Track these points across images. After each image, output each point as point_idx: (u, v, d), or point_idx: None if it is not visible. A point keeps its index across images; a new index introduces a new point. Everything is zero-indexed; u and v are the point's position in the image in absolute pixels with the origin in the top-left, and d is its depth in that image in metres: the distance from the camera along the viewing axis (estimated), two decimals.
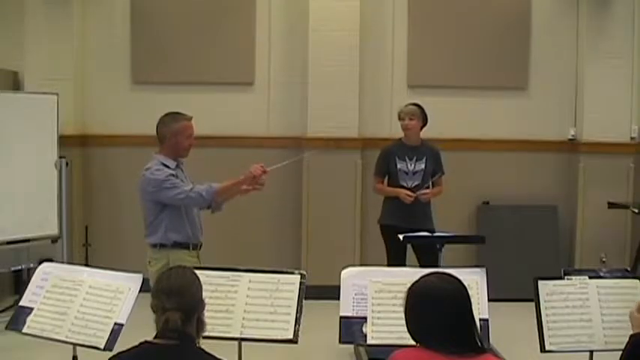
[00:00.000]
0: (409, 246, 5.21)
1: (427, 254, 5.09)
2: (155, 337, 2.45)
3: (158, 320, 2.46)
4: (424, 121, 5.37)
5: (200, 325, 2.56)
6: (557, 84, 6.85)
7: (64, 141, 6.17)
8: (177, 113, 4.20)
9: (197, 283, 2.59)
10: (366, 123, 6.67)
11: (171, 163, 4.12)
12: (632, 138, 6.71)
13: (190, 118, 4.19)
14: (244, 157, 6.70)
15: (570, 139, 6.86)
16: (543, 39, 6.82)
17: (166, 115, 4.20)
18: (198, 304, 2.55)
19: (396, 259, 5.18)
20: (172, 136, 4.11)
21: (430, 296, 2.32)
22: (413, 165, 5.31)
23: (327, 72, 6.49)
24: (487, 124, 6.80)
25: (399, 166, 5.31)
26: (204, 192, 4.01)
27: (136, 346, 2.45)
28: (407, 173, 5.30)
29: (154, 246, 4.09)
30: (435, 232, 5.28)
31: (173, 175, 4.06)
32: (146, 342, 2.45)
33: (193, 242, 4.14)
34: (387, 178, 5.42)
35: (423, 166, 5.32)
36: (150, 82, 6.72)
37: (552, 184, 6.88)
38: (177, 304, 2.45)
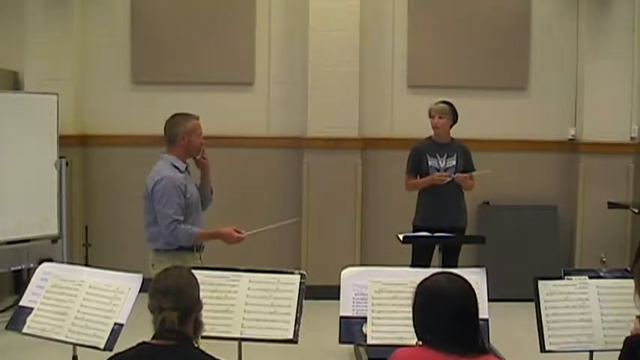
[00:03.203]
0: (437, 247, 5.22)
1: (450, 254, 5.11)
2: (153, 338, 2.44)
3: (156, 320, 2.45)
4: (454, 119, 5.37)
5: (197, 325, 2.54)
6: (557, 84, 6.85)
7: (64, 141, 6.16)
8: (187, 114, 4.15)
9: (194, 284, 2.58)
10: (366, 123, 6.67)
11: (181, 165, 4.08)
12: (632, 138, 6.71)
13: (198, 118, 4.15)
14: (244, 157, 6.76)
15: (570, 139, 6.86)
16: (543, 39, 6.82)
17: (174, 116, 4.15)
18: (196, 305, 2.54)
19: (421, 259, 5.17)
20: (186, 135, 4.06)
21: (437, 295, 2.32)
22: (444, 162, 5.31)
23: (327, 72, 6.49)
24: (487, 124, 6.79)
25: (430, 162, 5.32)
26: (181, 236, 3.95)
27: (134, 347, 2.44)
28: (438, 170, 5.29)
29: (157, 250, 4.04)
30: (465, 229, 5.34)
31: (181, 187, 3.98)
32: (144, 343, 2.44)
33: (197, 245, 4.10)
34: (418, 176, 5.40)
35: (454, 162, 5.32)
36: (150, 82, 6.72)
37: (552, 184, 6.88)
38: (174, 303, 2.44)
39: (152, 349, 2.41)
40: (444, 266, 5.02)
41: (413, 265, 5.14)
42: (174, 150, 4.09)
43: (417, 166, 5.38)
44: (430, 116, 5.36)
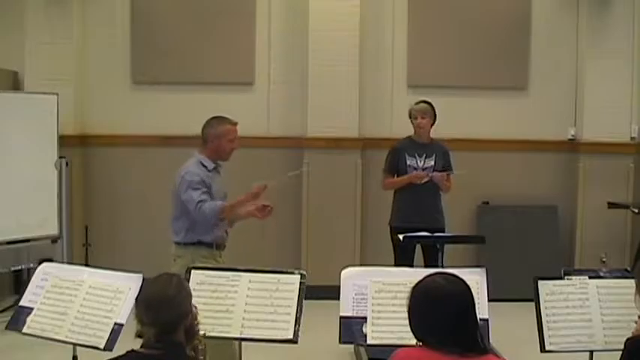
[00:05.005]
0: (418, 245, 5.21)
1: (432, 253, 5.09)
2: (141, 347, 2.43)
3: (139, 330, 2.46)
4: (435, 118, 5.36)
5: (189, 332, 2.50)
6: (557, 84, 6.85)
7: (64, 141, 6.16)
8: (224, 117, 4.31)
9: (184, 294, 2.50)
10: (366, 123, 6.67)
11: (210, 164, 4.23)
12: (632, 138, 6.71)
13: (235, 123, 4.32)
14: (244, 157, 6.70)
15: (570, 139, 6.85)
16: (543, 39, 6.82)
17: (213, 117, 4.31)
18: (180, 318, 2.45)
19: (403, 259, 5.14)
20: (215, 138, 4.23)
21: (435, 296, 2.32)
22: (422, 161, 5.30)
23: (327, 72, 6.49)
24: (487, 124, 6.79)
25: (408, 162, 5.30)
26: (207, 212, 4.05)
27: (123, 355, 2.44)
28: (416, 169, 5.28)
29: (178, 243, 4.16)
30: (444, 229, 5.29)
31: (205, 181, 4.12)
32: (133, 351, 2.43)
33: (217, 242, 4.21)
34: (396, 175, 5.40)
35: (432, 162, 5.31)
36: (150, 82, 6.72)
37: (552, 184, 6.88)
38: (153, 319, 2.40)
39: (140, 357, 2.40)
40: (428, 266, 5.02)
41: (396, 266, 5.10)
42: (205, 150, 4.27)
43: (394, 165, 5.37)
44: (412, 117, 5.34)
